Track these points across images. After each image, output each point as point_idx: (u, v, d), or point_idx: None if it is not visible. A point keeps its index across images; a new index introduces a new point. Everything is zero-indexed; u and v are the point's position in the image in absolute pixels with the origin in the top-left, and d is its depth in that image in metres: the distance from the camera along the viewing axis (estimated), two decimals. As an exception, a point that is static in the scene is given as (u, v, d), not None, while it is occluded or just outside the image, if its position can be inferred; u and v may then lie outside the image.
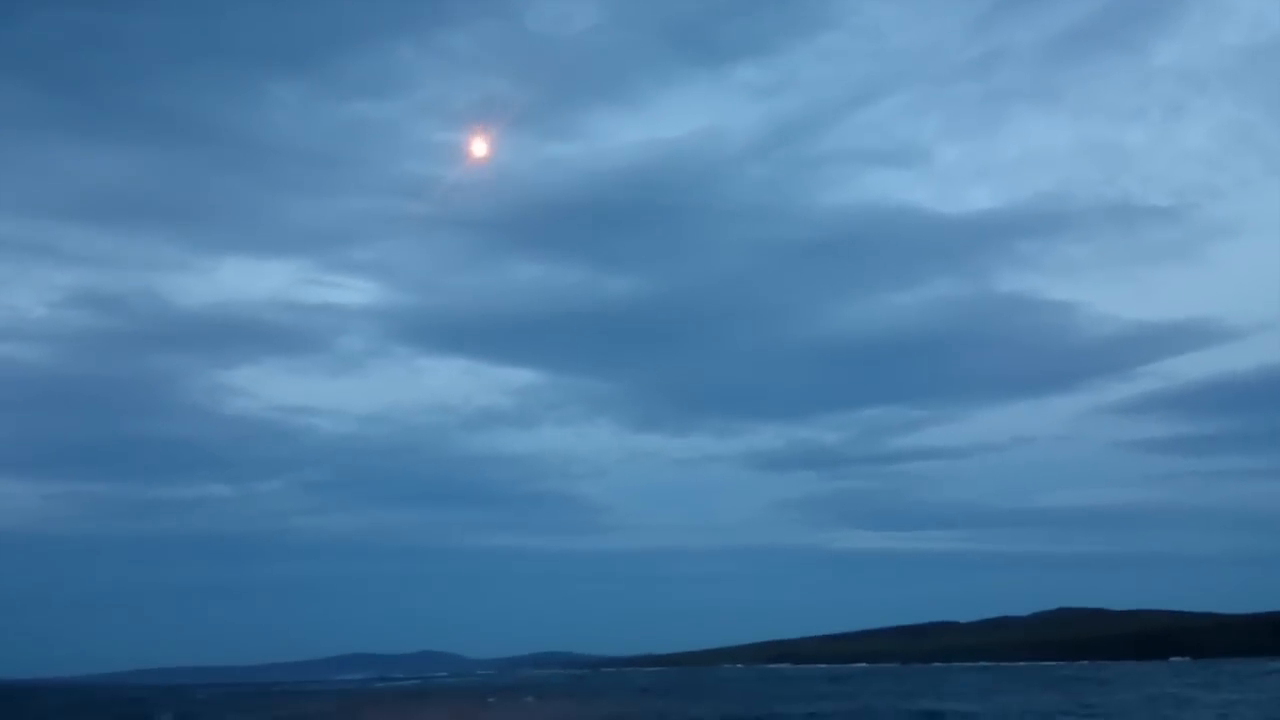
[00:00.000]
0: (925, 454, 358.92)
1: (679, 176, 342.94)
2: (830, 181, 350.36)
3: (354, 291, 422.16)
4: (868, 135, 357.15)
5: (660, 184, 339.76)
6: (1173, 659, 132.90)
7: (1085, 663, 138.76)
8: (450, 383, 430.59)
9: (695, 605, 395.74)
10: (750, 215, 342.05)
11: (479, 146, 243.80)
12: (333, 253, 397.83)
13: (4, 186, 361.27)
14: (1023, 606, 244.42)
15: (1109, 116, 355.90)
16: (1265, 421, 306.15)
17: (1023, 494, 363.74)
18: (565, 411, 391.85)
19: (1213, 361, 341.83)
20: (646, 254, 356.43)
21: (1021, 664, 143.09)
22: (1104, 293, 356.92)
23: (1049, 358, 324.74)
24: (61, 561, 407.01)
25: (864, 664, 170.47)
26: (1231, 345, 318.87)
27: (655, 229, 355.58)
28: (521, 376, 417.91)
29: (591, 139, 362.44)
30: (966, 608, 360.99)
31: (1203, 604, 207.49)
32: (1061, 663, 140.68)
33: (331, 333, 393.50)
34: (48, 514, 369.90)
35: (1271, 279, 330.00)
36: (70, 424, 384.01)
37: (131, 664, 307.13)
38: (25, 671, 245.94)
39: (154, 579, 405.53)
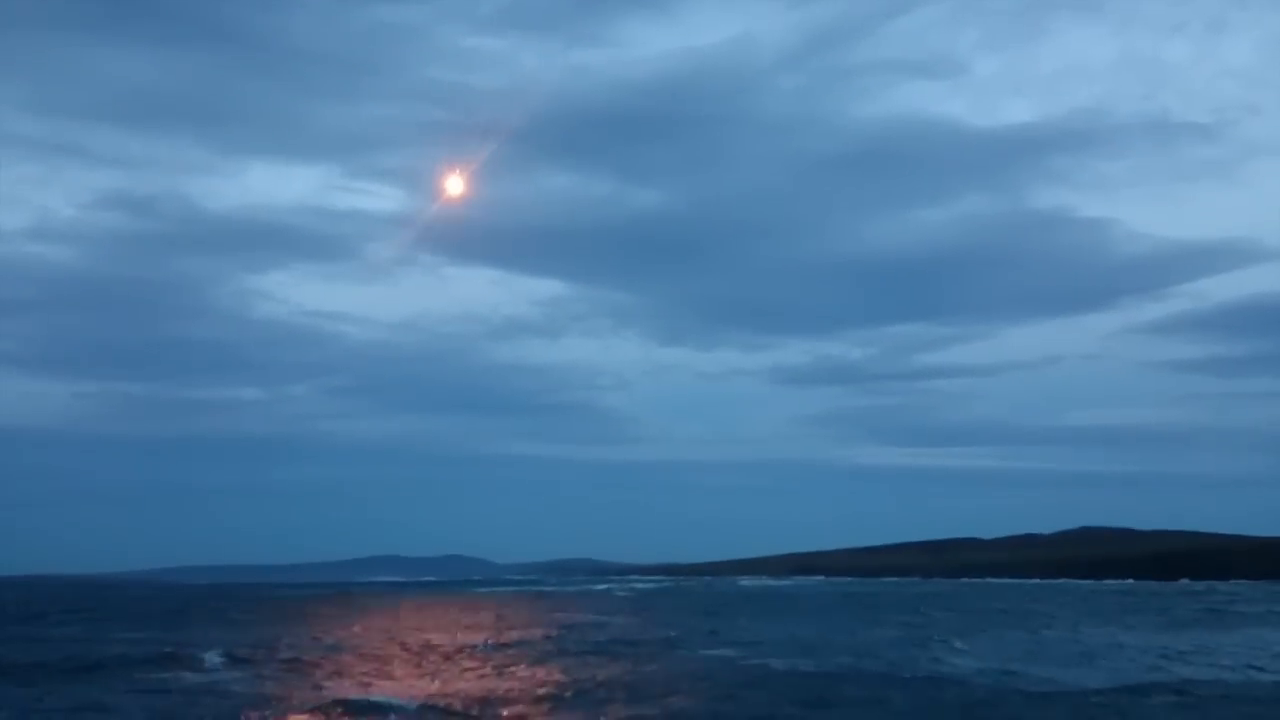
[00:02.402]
0: (953, 371, 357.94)
1: (709, 86, 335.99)
2: (864, 93, 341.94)
3: (382, 199, 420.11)
4: (903, 45, 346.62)
5: (690, 94, 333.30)
6: (1186, 580, 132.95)
7: (1109, 581, 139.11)
8: (478, 292, 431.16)
9: (720, 517, 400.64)
10: (781, 127, 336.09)
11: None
12: (361, 159, 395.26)
13: (34, 87, 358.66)
14: (1047, 525, 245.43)
15: (1150, 30, 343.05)
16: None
17: (1050, 413, 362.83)
18: (591, 323, 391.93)
19: (1246, 282, 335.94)
20: (675, 166, 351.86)
21: (1045, 581, 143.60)
22: (1139, 210, 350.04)
23: (1081, 276, 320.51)
24: (93, 460, 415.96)
25: (891, 578, 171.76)
26: (1266, 266, 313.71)
27: (684, 140, 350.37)
28: (549, 287, 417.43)
29: (621, 47, 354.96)
30: (991, 525, 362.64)
31: (1229, 526, 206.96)
32: (1086, 582, 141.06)
33: (360, 239, 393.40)
34: (79, 413, 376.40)
35: None
36: (101, 324, 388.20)
37: (162, 562, 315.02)
38: (56, 567, 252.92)
39: (184, 478, 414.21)
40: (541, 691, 21.68)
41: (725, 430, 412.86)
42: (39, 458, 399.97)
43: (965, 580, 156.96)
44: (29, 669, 26.97)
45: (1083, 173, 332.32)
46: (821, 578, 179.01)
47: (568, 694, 21.38)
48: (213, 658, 29.16)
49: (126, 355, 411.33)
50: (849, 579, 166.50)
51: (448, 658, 30.78)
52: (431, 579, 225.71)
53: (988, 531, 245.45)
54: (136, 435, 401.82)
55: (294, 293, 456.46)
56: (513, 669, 27.14)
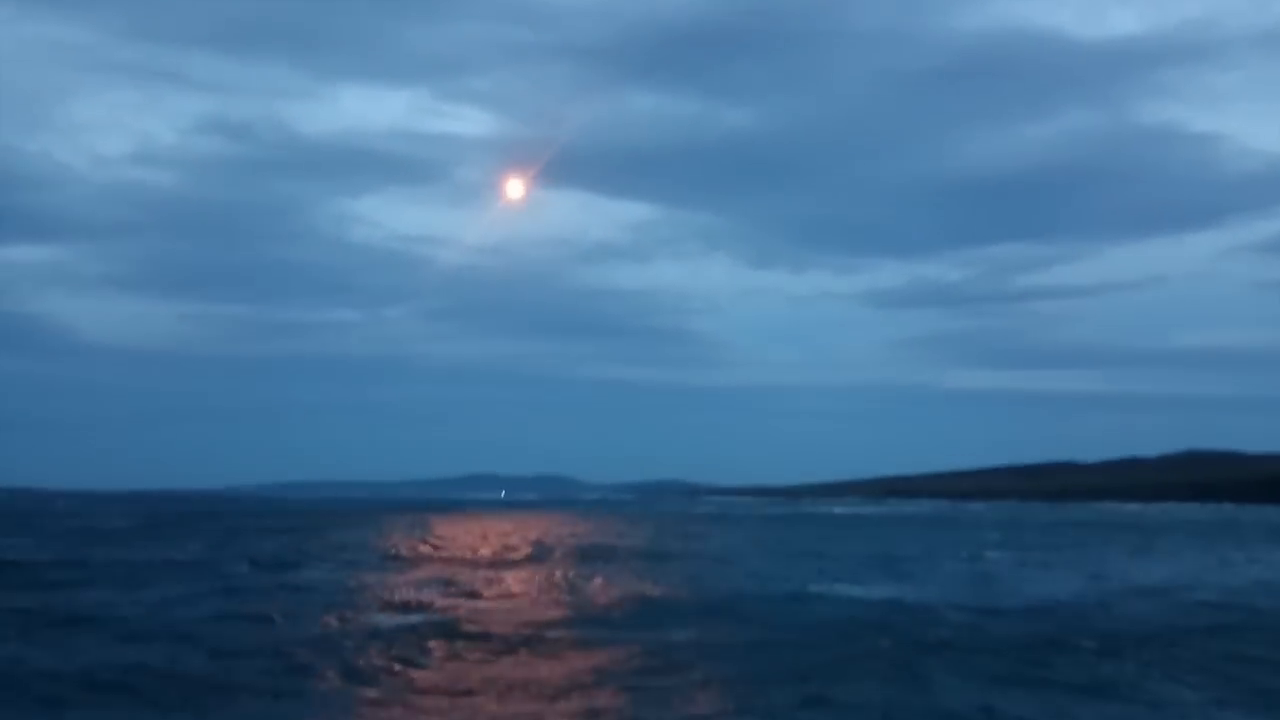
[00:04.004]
0: (1054, 293, 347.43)
1: (801, 1, 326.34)
2: (962, 4, 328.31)
3: (472, 122, 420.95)
4: None
5: (781, 9, 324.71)
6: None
7: (1214, 505, 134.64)
8: (567, 216, 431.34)
9: (810, 441, 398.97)
10: (877, 41, 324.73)
11: None
12: (450, 82, 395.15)
13: (132, 15, 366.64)
14: (1150, 448, 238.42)
15: None
16: None
17: (1155, 334, 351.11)
18: (680, 246, 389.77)
19: None
20: (766, 84, 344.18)
21: (1147, 506, 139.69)
22: (1249, 125, 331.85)
23: (1188, 193, 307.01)
24: (198, 380, 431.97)
25: (980, 502, 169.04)
26: None
27: (776, 57, 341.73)
28: (637, 210, 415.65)
29: None
30: (1092, 448, 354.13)
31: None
32: (1191, 504, 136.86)
33: (450, 163, 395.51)
34: (183, 334, 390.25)
35: None
36: (203, 248, 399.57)
37: (265, 478, 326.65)
38: (162, 483, 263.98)
39: (287, 398, 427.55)
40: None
41: (817, 354, 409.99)
42: (147, 378, 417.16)
43: (1064, 504, 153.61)
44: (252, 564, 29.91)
45: (1191, 86, 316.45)
46: (922, 501, 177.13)
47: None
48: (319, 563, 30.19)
49: (228, 278, 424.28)
50: (942, 502, 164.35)
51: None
52: (532, 497, 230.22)
53: (1088, 455, 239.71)
54: (238, 355, 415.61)
55: (387, 217, 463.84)
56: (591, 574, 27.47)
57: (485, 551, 37.67)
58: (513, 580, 26.06)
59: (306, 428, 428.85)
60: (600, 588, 23.71)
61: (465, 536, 49.10)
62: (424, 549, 38.84)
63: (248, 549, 36.42)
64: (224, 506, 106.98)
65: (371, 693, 11.63)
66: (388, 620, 17.64)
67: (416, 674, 12.79)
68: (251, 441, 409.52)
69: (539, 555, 35.10)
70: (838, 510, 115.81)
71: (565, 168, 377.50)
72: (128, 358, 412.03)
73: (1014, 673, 12.52)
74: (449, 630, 16.19)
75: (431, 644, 14.91)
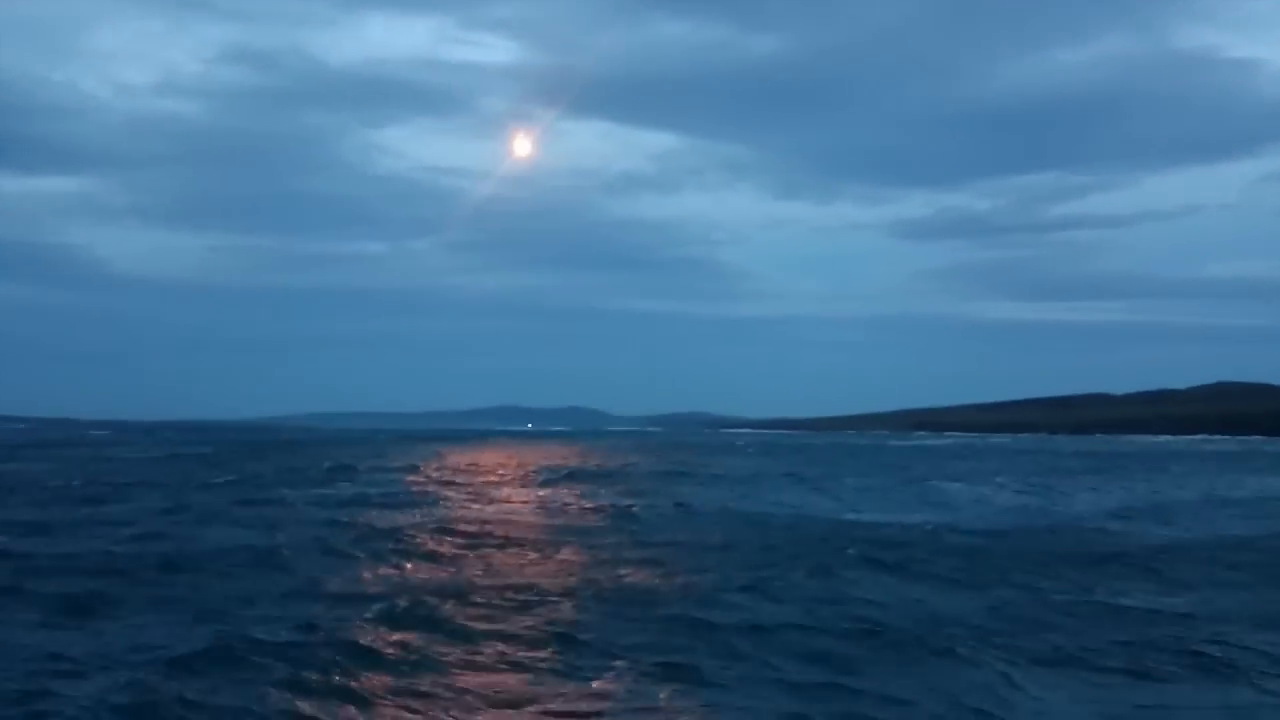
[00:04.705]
0: (1085, 222, 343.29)
1: None
2: None
3: (495, 50, 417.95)
4: None
5: None
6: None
7: (1247, 438, 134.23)
8: (590, 146, 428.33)
9: (837, 373, 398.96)
10: None
11: None
12: (474, 9, 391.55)
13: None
14: (1181, 379, 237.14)
15: None
16: None
17: (1188, 264, 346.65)
18: (706, 177, 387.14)
19: None
20: (793, 9, 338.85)
21: (1178, 438, 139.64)
22: None
23: (1225, 120, 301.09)
24: (226, 311, 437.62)
25: (1007, 435, 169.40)
26: None
27: None
28: (662, 140, 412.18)
29: None
30: (1123, 380, 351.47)
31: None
32: (1221, 437, 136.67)
33: (474, 93, 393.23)
34: (212, 265, 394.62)
35: None
36: (229, 179, 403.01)
37: (293, 409, 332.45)
38: (191, 413, 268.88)
39: (314, 329, 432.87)
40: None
41: (843, 285, 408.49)
42: (175, 309, 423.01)
43: (1097, 436, 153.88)
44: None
45: (1230, 11, 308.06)
46: (949, 434, 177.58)
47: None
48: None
49: (254, 209, 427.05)
50: (971, 435, 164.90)
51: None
52: (558, 428, 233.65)
53: (1119, 387, 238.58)
54: (265, 286, 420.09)
55: (412, 147, 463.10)
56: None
57: (504, 473, 39.97)
58: (517, 497, 28.16)
59: (333, 359, 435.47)
60: (590, 504, 25.81)
61: (489, 461, 51.39)
62: (447, 472, 40.74)
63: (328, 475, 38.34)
64: (266, 437, 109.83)
65: (383, 569, 14.82)
66: (405, 519, 21.30)
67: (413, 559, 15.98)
68: (280, 373, 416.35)
69: (549, 479, 36.85)
70: (856, 440, 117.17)
71: (590, 97, 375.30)
72: (156, 289, 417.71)
73: (909, 570, 14.72)
74: (448, 529, 19.57)
75: (428, 537, 18.30)
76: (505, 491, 31.05)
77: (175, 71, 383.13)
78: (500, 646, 9.51)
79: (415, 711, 7.66)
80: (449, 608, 11.07)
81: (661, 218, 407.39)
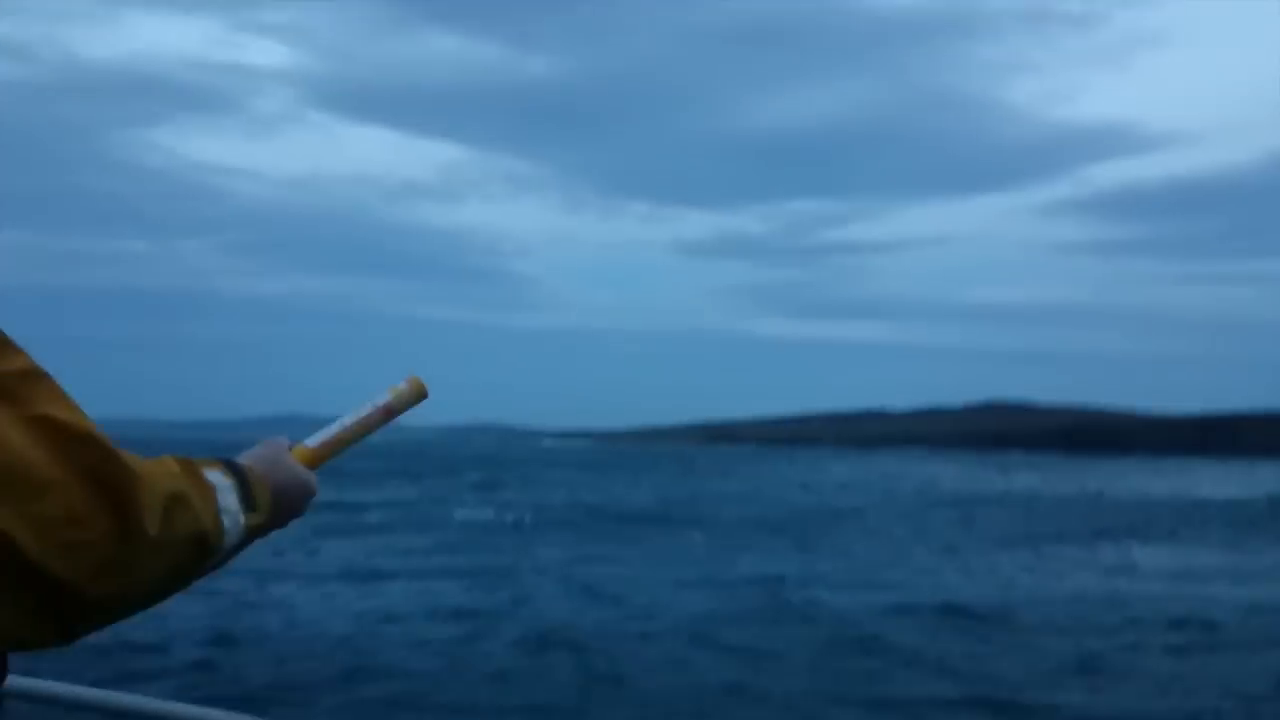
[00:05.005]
0: (851, 248, 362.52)
1: None
2: None
3: (268, 54, 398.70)
4: None
5: None
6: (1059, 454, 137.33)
7: (1011, 453, 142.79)
8: (371, 153, 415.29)
9: (630, 385, 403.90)
10: (673, 1, 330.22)
11: None
12: (244, 13, 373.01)
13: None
14: (955, 397, 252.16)
15: None
16: (1174, 228, 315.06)
17: (949, 288, 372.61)
18: (490, 189, 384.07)
19: (1130, 168, 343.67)
20: (568, 34, 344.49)
21: (953, 451, 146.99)
22: (1027, 96, 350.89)
23: (973, 157, 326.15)
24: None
25: (798, 447, 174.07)
26: (1148, 154, 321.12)
27: (575, 11, 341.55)
28: (445, 151, 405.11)
29: None
30: (901, 396, 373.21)
31: (1125, 401, 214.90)
32: (991, 453, 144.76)
33: (247, 95, 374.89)
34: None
35: (1191, 91, 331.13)
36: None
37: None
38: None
39: (73, 329, 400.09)
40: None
41: (630, 299, 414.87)
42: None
43: (873, 450, 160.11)
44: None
45: (972, 57, 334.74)
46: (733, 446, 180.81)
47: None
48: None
49: (10, 204, 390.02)
50: (759, 446, 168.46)
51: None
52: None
53: (897, 403, 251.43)
54: (21, 285, 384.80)
55: (181, 145, 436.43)
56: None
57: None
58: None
59: (99, 363, 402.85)
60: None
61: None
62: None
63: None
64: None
65: None
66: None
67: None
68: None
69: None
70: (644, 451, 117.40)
71: (369, 104, 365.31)
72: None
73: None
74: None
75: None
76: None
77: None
78: None
79: None
80: None
81: (446, 227, 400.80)
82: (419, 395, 1.51)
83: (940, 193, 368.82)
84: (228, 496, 1.16)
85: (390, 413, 1.48)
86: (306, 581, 15.89)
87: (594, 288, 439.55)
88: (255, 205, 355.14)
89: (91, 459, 1.01)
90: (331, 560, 18.13)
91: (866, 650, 12.23)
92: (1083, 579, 18.43)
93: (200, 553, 1.11)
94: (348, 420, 1.44)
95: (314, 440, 1.41)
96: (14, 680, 1.62)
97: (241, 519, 1.17)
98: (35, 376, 1.04)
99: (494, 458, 77.04)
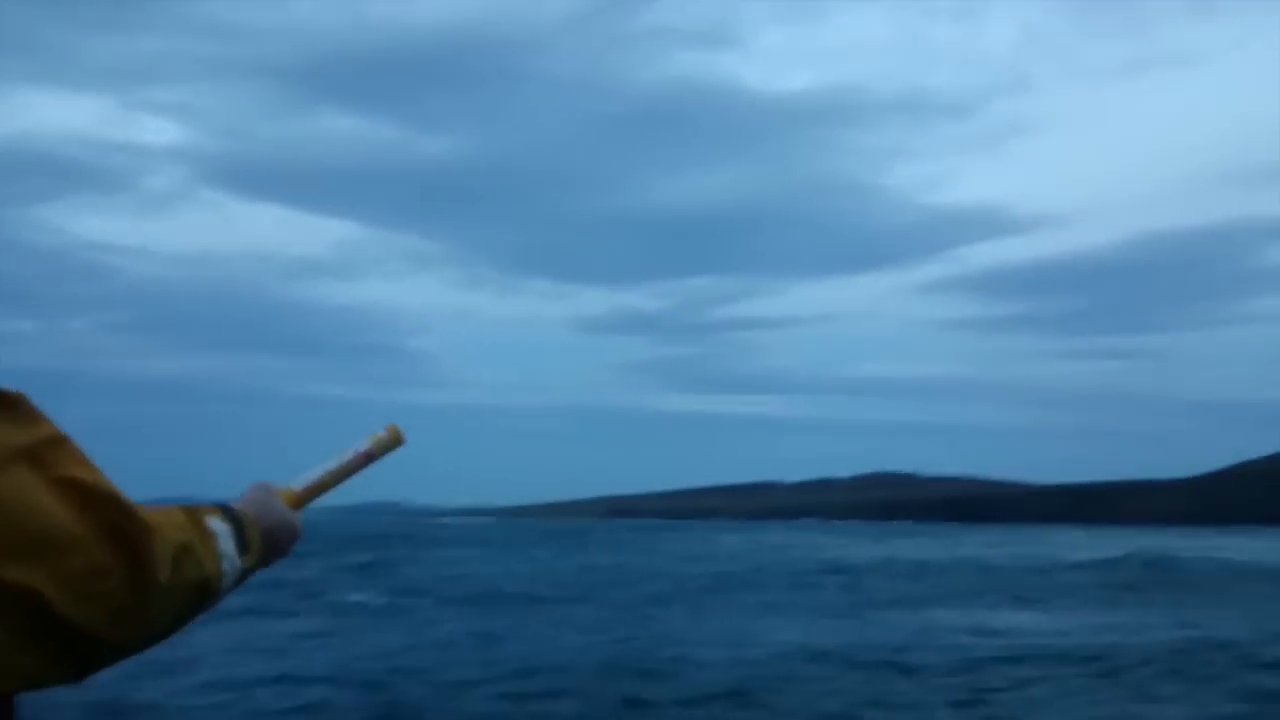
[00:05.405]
0: (745, 324, 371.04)
1: (495, 41, 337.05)
2: (648, 58, 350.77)
3: (161, 133, 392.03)
4: (684, 15, 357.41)
5: (476, 48, 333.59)
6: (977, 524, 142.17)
7: (901, 523, 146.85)
8: (266, 230, 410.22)
9: (530, 460, 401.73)
10: (570, 85, 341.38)
11: None
12: (137, 92, 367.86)
13: None
14: (842, 469, 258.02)
15: (917, 14, 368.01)
16: (1044, 306, 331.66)
17: (837, 363, 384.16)
18: (389, 266, 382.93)
19: (1000, 250, 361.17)
20: (464, 116, 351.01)
21: (843, 522, 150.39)
22: (906, 181, 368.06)
23: (857, 238, 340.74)
24: None
25: (697, 521, 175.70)
26: (1018, 236, 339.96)
27: (472, 92, 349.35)
28: (341, 228, 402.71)
29: None
30: (793, 468, 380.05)
31: (1007, 473, 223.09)
32: (880, 523, 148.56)
33: (137, 172, 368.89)
34: None
35: (1057, 177, 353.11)
36: None
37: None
38: None
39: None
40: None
41: (530, 375, 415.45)
42: None
43: (766, 521, 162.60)
44: None
45: (855, 144, 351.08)
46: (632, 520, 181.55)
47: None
48: None
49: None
50: (657, 521, 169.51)
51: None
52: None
53: (789, 475, 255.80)
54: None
55: (70, 224, 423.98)
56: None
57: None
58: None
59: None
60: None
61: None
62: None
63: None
64: None
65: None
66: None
67: None
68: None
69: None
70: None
71: (264, 182, 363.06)
72: None
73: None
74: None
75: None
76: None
77: None
78: None
79: None
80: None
81: (343, 304, 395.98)
82: (396, 441, 1.62)
83: (828, 272, 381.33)
84: (226, 542, 1.25)
85: (370, 458, 1.59)
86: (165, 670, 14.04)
87: (493, 364, 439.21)
88: (145, 284, 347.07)
89: (112, 515, 1.10)
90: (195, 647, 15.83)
91: (739, 702, 13.42)
92: (954, 634, 19.98)
93: (203, 596, 1.20)
94: (331, 465, 1.55)
95: (298, 483, 1.51)
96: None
97: (238, 562, 1.26)
98: (59, 441, 1.13)
99: (387, 537, 76.27)
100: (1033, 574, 37.35)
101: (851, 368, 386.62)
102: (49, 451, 1.11)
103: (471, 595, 28.15)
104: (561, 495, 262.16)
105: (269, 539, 1.36)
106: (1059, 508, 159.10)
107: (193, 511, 1.24)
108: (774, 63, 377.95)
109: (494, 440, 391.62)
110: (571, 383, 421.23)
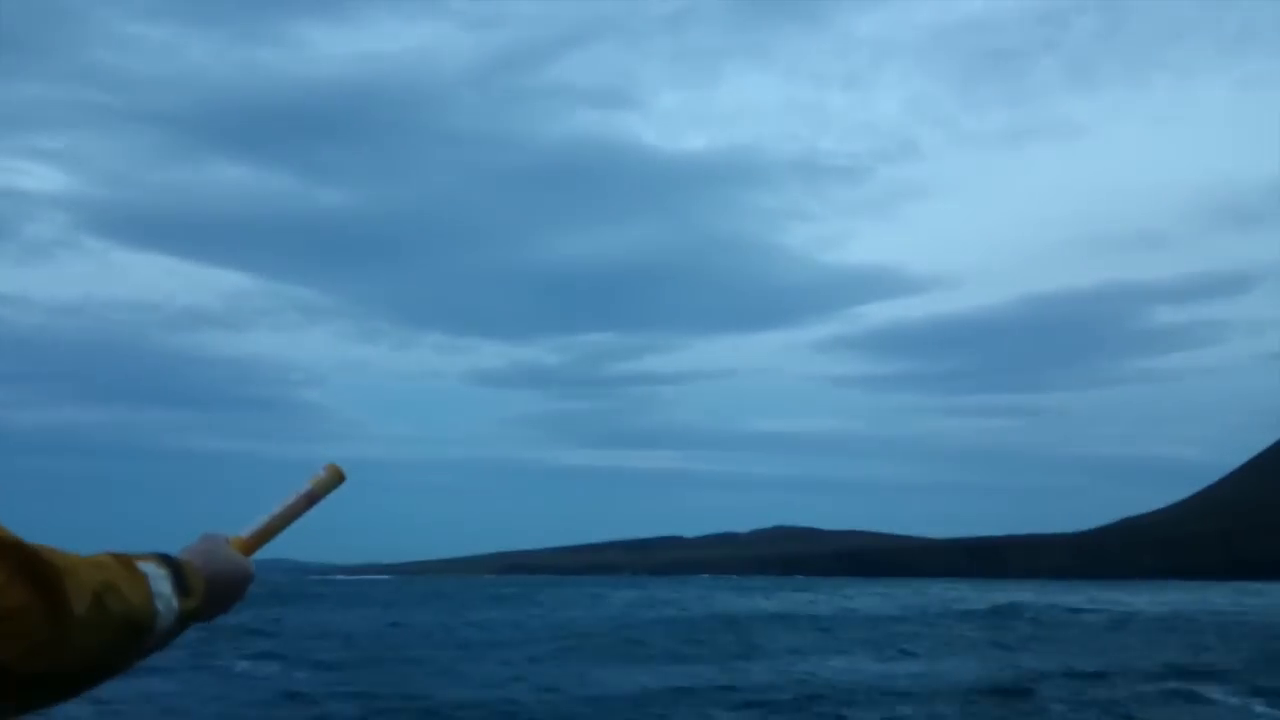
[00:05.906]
0: (644, 379, 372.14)
1: (392, 95, 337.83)
2: (547, 114, 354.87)
3: (41, 179, 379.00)
4: (584, 74, 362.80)
5: (372, 100, 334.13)
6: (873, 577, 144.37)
7: (799, 578, 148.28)
8: (151, 280, 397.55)
9: (426, 515, 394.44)
10: (467, 140, 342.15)
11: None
12: (17, 139, 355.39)
13: None
14: (743, 523, 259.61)
15: (810, 79, 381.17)
16: (936, 364, 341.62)
17: (736, 418, 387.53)
18: (279, 318, 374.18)
19: (894, 309, 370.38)
20: (360, 169, 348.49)
21: (743, 577, 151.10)
22: (802, 240, 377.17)
23: (754, 296, 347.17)
24: None
25: (597, 576, 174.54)
26: (911, 296, 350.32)
27: (368, 145, 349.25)
28: (230, 279, 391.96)
29: (295, 48, 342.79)
30: (694, 523, 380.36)
31: (902, 528, 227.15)
32: (780, 578, 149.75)
33: (17, 219, 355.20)
34: None
35: (949, 238, 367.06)
36: None
37: None
38: None
39: None
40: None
41: (426, 429, 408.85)
42: None
43: (671, 577, 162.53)
44: None
45: (751, 204, 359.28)
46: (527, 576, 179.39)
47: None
48: None
49: None
50: (555, 576, 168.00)
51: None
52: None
53: (690, 530, 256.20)
54: None
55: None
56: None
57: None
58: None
59: None
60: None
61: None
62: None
63: None
64: None
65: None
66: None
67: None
68: None
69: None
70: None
71: (150, 231, 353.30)
72: None
73: None
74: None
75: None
76: None
77: None
78: None
79: None
80: None
81: (231, 356, 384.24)
82: (337, 480, 1.65)
83: (725, 328, 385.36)
84: (161, 583, 1.27)
85: (313, 498, 1.62)
86: None
87: (389, 417, 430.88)
88: (23, 333, 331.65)
89: (19, 559, 1.15)
90: None
91: None
92: (844, 673, 20.52)
93: (133, 632, 1.22)
94: (275, 510, 1.58)
95: (246, 531, 1.54)
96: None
97: (175, 603, 1.28)
98: None
99: (275, 596, 73.87)
100: (904, 623, 38.41)
101: (751, 423, 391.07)
102: None
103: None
104: (459, 551, 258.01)
105: (217, 583, 1.39)
106: (951, 562, 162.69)
107: (122, 556, 1.26)
108: (672, 123, 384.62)
109: (390, 495, 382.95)
110: (469, 436, 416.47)
